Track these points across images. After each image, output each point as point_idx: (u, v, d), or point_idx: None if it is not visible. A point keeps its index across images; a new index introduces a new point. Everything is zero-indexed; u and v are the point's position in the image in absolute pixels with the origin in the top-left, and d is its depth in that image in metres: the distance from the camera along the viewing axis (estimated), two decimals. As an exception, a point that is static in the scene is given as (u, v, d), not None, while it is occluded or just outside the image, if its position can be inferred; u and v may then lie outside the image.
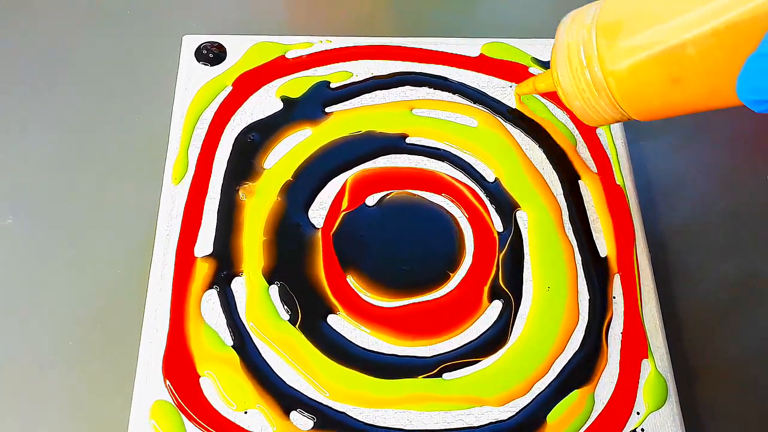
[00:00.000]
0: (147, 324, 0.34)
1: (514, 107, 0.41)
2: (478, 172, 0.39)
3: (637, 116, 0.33)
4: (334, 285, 0.35)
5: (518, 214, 0.38)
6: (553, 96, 0.41)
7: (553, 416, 0.33)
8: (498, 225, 0.38)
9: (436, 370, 0.33)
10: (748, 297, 0.39)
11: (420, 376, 0.33)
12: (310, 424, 0.32)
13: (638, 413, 0.33)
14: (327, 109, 0.40)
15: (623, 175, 0.39)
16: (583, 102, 0.34)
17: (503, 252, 0.37)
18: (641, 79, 0.31)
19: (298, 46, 0.42)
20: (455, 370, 0.34)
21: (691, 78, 0.29)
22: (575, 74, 0.33)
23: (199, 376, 0.33)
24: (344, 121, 0.40)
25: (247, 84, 0.41)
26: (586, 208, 0.38)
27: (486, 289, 0.36)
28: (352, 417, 0.32)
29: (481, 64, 0.42)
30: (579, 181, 0.39)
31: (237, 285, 0.35)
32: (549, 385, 0.34)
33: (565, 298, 0.35)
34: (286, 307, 0.35)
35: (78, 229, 0.38)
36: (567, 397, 0.33)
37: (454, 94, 0.41)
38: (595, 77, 0.32)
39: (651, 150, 0.42)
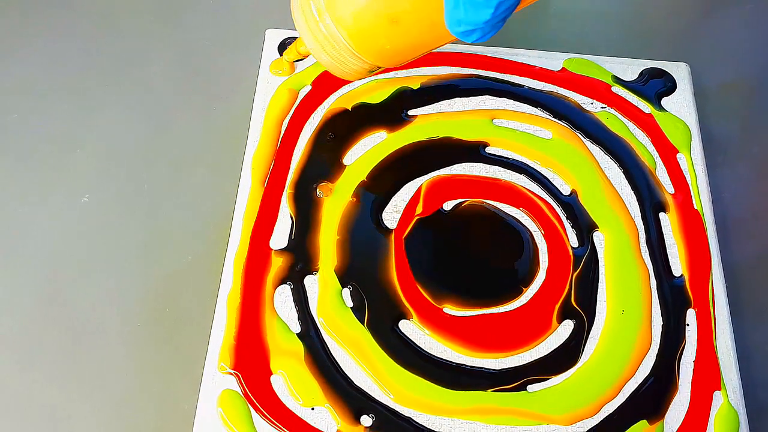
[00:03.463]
0: (219, 313, 0.34)
1: (594, 122, 0.41)
2: (555, 186, 0.39)
3: (379, 62, 0.34)
4: (408, 290, 0.35)
5: (595, 234, 0.37)
6: (633, 116, 0.41)
7: (624, 440, 0.32)
8: (573, 241, 0.37)
9: (515, 384, 0.33)
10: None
11: (489, 389, 0.33)
12: (369, 422, 0.32)
13: (708, 445, 0.33)
14: (410, 113, 0.40)
15: (702, 202, 0.39)
16: (329, 56, 0.34)
17: (577, 271, 0.36)
18: (365, 24, 0.32)
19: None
20: (530, 384, 0.33)
21: (407, 17, 0.31)
22: (312, 29, 0.33)
23: (271, 372, 0.33)
24: (421, 125, 0.40)
25: (327, 83, 0.41)
26: (664, 232, 0.38)
27: (557, 307, 0.35)
28: (416, 422, 0.32)
29: (563, 78, 0.42)
30: (658, 205, 0.39)
31: (309, 281, 0.35)
32: (618, 408, 0.33)
33: (638, 323, 0.35)
34: (356, 307, 0.35)
35: (152, 213, 0.39)
36: (637, 424, 0.33)
37: (536, 107, 0.41)
38: (329, 29, 0.33)
39: (729, 179, 0.41)
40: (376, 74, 0.36)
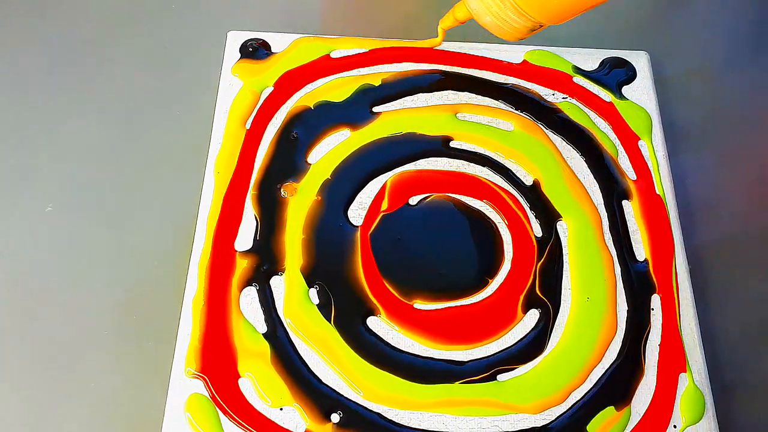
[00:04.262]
0: (184, 317, 0.34)
1: (557, 111, 0.41)
2: (518, 178, 0.39)
3: (543, 19, 0.35)
4: (375, 287, 0.35)
5: (559, 223, 0.38)
6: (595, 106, 0.41)
7: (592, 426, 0.33)
8: (537, 230, 0.37)
9: (483, 375, 0.33)
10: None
11: (456, 381, 0.33)
12: (338, 418, 0.32)
13: (675, 426, 0.33)
14: (373, 109, 0.41)
15: (664, 187, 0.39)
16: (493, 16, 0.36)
17: (542, 261, 0.36)
18: None
19: (343, 45, 0.42)
20: (498, 375, 0.34)
21: None
22: None
23: (239, 375, 0.33)
24: (385, 122, 0.40)
25: (290, 83, 0.41)
26: (627, 218, 0.38)
27: (522, 296, 0.36)
28: (386, 417, 0.33)
29: (524, 70, 0.42)
30: (620, 191, 0.39)
31: (275, 282, 0.35)
32: (586, 394, 0.33)
33: (603, 309, 0.35)
34: (323, 305, 0.35)
35: (117, 220, 0.39)
36: (605, 410, 0.33)
37: (498, 99, 0.41)
38: None
39: (691, 165, 0.42)
40: (536, 32, 0.37)
